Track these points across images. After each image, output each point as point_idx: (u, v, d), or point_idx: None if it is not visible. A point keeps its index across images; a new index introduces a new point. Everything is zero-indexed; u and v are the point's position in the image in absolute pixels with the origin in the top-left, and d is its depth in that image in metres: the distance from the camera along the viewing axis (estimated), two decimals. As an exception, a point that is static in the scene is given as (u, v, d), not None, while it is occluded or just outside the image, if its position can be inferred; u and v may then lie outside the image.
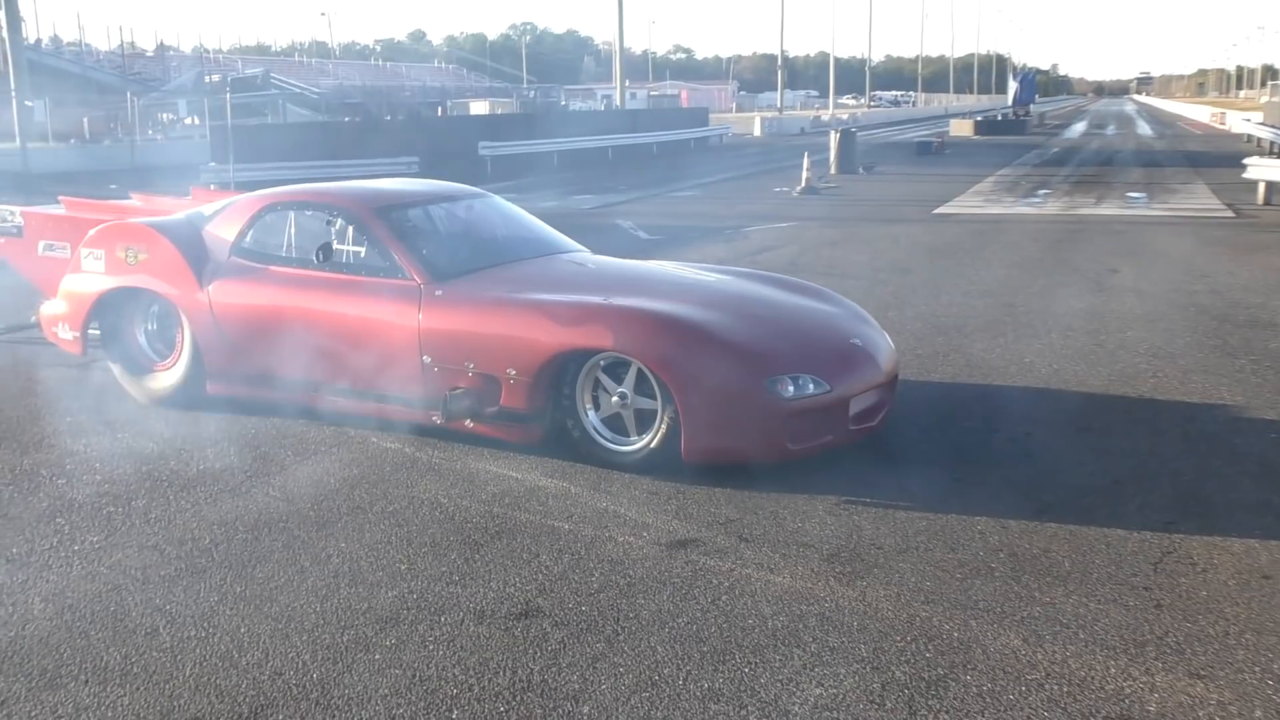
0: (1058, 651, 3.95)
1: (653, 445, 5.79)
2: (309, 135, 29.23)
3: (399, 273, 6.40)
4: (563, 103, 76.38)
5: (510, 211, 7.70)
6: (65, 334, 7.40)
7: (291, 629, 4.18)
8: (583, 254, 7.35)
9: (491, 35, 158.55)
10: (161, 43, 59.40)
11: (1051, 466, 5.94)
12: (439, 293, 6.26)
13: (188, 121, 43.14)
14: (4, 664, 3.93)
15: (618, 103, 53.33)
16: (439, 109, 62.89)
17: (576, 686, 3.77)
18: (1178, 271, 12.38)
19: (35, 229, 7.74)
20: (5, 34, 30.92)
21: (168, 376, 7.16)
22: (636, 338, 5.74)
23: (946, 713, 3.58)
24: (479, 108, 62.02)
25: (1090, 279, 11.96)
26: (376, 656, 3.97)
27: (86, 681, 3.80)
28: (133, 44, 55.34)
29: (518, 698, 3.69)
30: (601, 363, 5.90)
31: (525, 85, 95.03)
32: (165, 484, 5.80)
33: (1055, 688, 3.72)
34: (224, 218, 7.08)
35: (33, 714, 3.61)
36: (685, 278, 6.92)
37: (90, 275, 7.20)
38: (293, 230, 6.89)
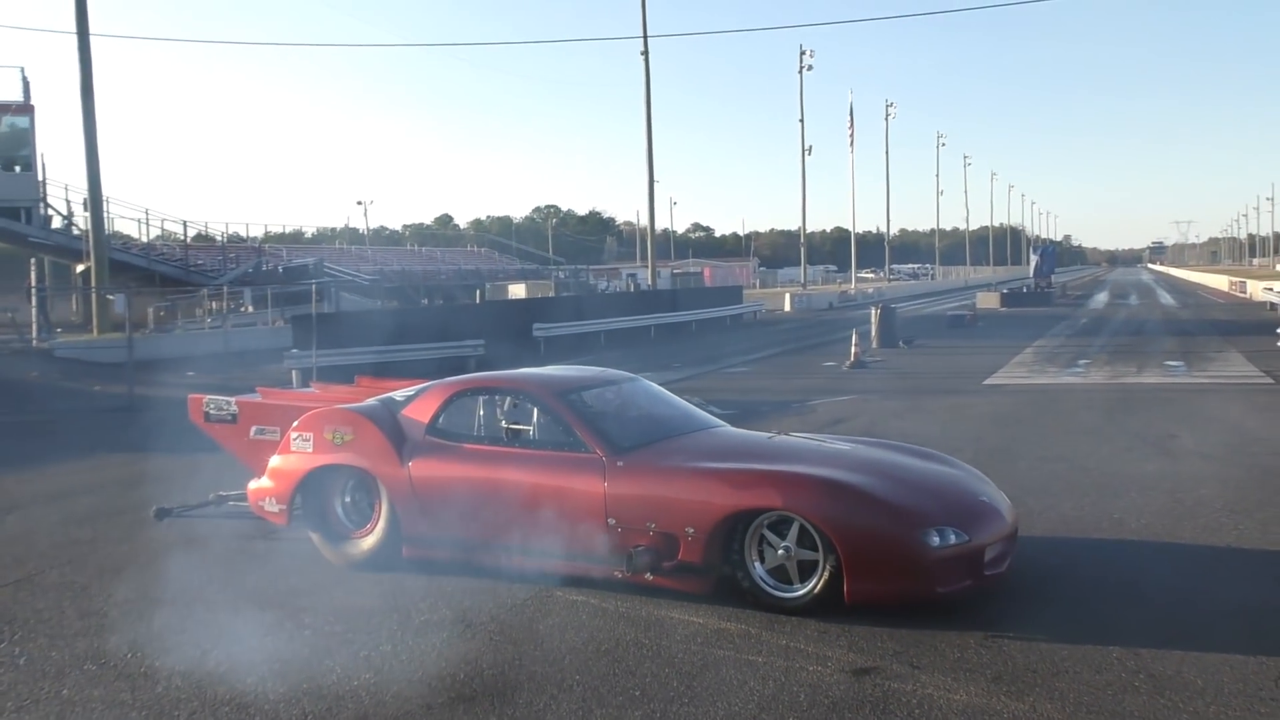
0: (1210, 747, 4.81)
1: (816, 591, 6.72)
2: (377, 321, 30.80)
3: (582, 447, 7.45)
4: (591, 282, 78.75)
5: (657, 391, 8.80)
6: (272, 507, 8.43)
7: (569, 740, 5.07)
8: (726, 427, 8.42)
9: (516, 218, 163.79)
10: (229, 233, 61.93)
11: (1163, 604, 6.83)
12: (620, 464, 7.30)
13: (247, 310, 45.07)
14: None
15: (649, 282, 55.41)
16: (477, 292, 65.25)
17: (823, 778, 4.64)
18: (1233, 435, 13.35)
19: (248, 415, 8.87)
20: (91, 232, 32.98)
21: (366, 542, 8.14)
22: (802, 498, 6.74)
23: (1133, 792, 4.44)
24: (517, 290, 64.18)
25: (1152, 443, 12.92)
26: (649, 759, 4.86)
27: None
28: (167, 233, 57.89)
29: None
30: (766, 521, 6.88)
31: (553, 265, 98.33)
32: (410, 634, 6.73)
33: (1216, 773, 4.57)
34: (418, 403, 8.19)
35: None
36: (825, 446, 7.95)
37: (299, 455, 8.27)
38: (481, 412, 7.99)
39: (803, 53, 73.95)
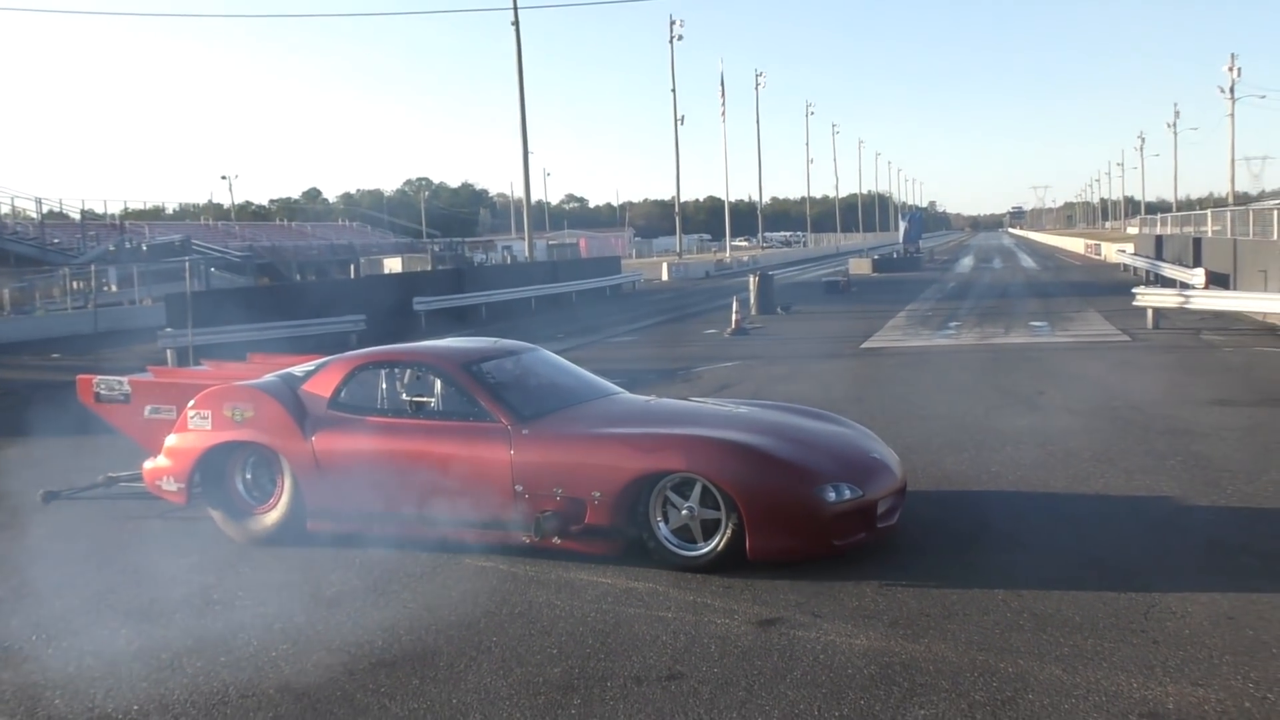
0: (1091, 676, 5.21)
1: (719, 549, 6.98)
2: (255, 298, 30.21)
3: (487, 417, 7.58)
4: (467, 255, 78.07)
5: (557, 360, 8.96)
6: (170, 486, 8.36)
7: (493, 698, 5.24)
8: (626, 394, 8.63)
9: (388, 190, 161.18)
10: (86, 210, 59.64)
11: (1042, 550, 7.28)
12: (525, 432, 7.45)
13: (111, 289, 43.65)
14: None
15: (525, 254, 55.18)
16: (351, 266, 64.20)
17: (738, 718, 4.91)
18: (1096, 390, 14.09)
19: (142, 395, 8.75)
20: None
21: (269, 518, 8.15)
22: (704, 460, 6.99)
23: (1024, 718, 4.80)
24: (393, 264, 63.32)
25: (1023, 400, 13.57)
26: (573, 712, 5.06)
27: None
28: (18, 211, 55.46)
29: (698, 731, 4.82)
30: (670, 484, 7.12)
31: (427, 239, 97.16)
32: (324, 605, 6.79)
33: (1097, 699, 4.97)
34: (319, 377, 8.21)
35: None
36: (723, 410, 8.22)
37: (197, 433, 8.21)
38: (384, 385, 8.04)
39: (673, 22, 74.08)
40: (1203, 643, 5.59)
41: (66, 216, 60.14)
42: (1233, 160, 72.84)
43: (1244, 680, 5.13)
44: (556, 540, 7.27)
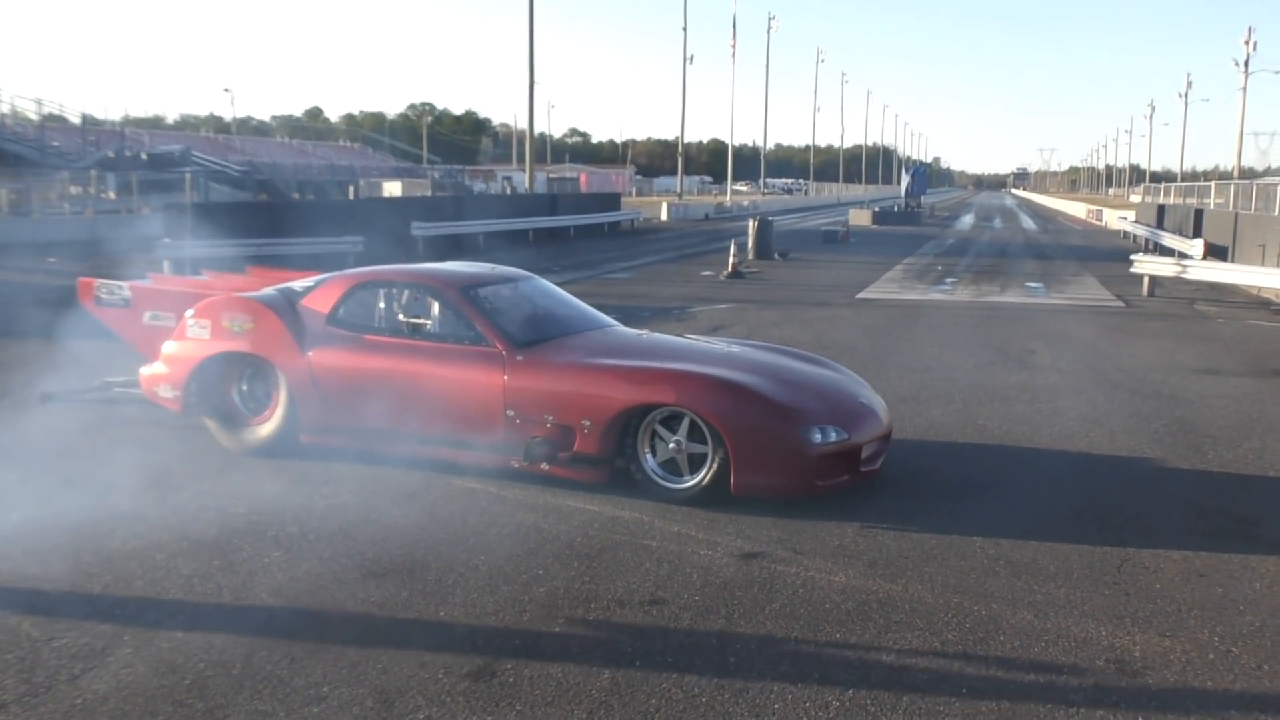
0: (1061, 623, 5.36)
1: (704, 483, 7.11)
2: (253, 214, 30.16)
3: (482, 341, 7.65)
4: (467, 183, 77.64)
5: (554, 290, 9.02)
6: (166, 393, 8.44)
7: (479, 614, 5.38)
8: (620, 327, 8.70)
9: (390, 114, 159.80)
10: (86, 115, 59.10)
11: (1022, 501, 7.41)
12: (519, 358, 7.53)
13: (109, 196, 43.41)
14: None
15: (526, 185, 54.91)
16: (350, 188, 63.84)
17: (716, 644, 5.05)
18: (1086, 352, 14.20)
19: (142, 301, 8.80)
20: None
21: (263, 429, 8.24)
22: (694, 395, 7.09)
23: (993, 659, 4.95)
24: (392, 187, 62.97)
25: (1014, 358, 13.68)
26: (556, 630, 5.20)
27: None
28: (17, 111, 54.80)
29: (675, 654, 4.95)
30: (659, 417, 7.22)
31: (428, 165, 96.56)
32: (315, 516, 6.91)
33: (1066, 644, 5.12)
34: (318, 293, 8.26)
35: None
36: (715, 347, 8.31)
37: (195, 342, 8.28)
38: (382, 305, 8.11)
39: (688, -41, 73.20)
40: (1172, 597, 5.74)
41: (66, 120, 59.56)
42: (1241, 134, 72.53)
43: (1210, 634, 5.28)
44: (545, 466, 7.38)
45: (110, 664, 4.82)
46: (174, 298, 8.75)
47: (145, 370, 8.67)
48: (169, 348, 8.46)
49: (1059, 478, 8.06)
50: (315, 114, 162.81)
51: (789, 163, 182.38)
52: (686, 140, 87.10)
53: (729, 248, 25.84)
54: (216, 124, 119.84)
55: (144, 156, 50.46)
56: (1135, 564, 6.22)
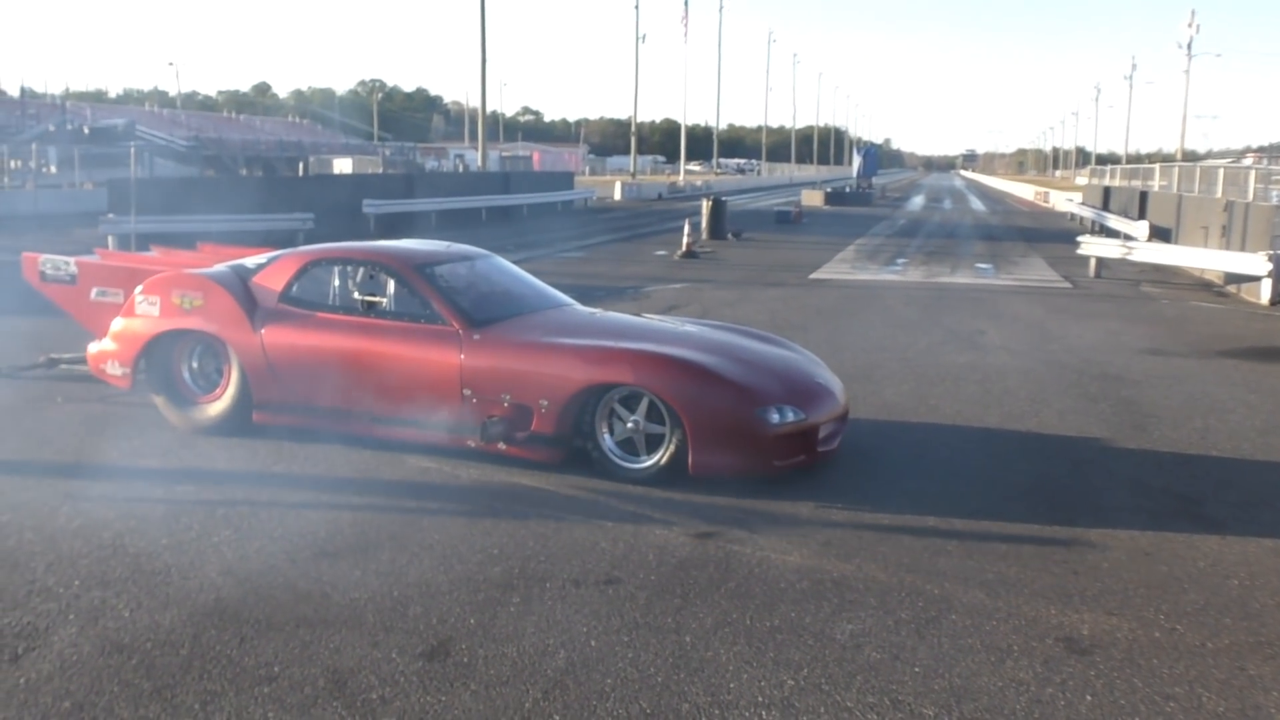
0: (1012, 601, 5.43)
1: (662, 463, 7.11)
2: (200, 189, 29.74)
3: (439, 319, 7.60)
4: (419, 160, 76.96)
5: (510, 268, 8.97)
6: (115, 370, 8.31)
7: (433, 592, 5.35)
8: (577, 306, 8.67)
9: (340, 90, 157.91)
10: (25, 88, 57.87)
11: (974, 480, 7.49)
12: (476, 337, 7.48)
13: (50, 171, 42.62)
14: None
15: (479, 163, 54.56)
16: (300, 164, 63.12)
17: (672, 623, 5.07)
18: (1035, 333, 14.37)
19: (89, 277, 8.64)
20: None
21: (214, 408, 8.14)
22: (653, 375, 7.08)
23: (946, 637, 5.00)
24: (343, 164, 62.41)
25: (964, 339, 13.81)
26: (511, 609, 5.19)
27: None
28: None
29: (631, 633, 4.96)
30: (617, 396, 7.21)
31: (379, 142, 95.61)
32: (266, 495, 6.84)
33: (1016, 622, 5.18)
34: (271, 270, 8.15)
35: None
36: (676, 328, 8.31)
37: (144, 319, 8.15)
38: (336, 282, 8.02)
39: (641, -63, 72.80)
40: (1119, 575, 5.83)
41: (4, 93, 58.43)
42: (1185, 117, 73.65)
43: (1155, 612, 5.37)
44: (502, 446, 7.35)
45: (54, 643, 4.75)
46: (121, 274, 8.60)
47: (93, 347, 8.53)
48: (118, 324, 8.32)
49: (1009, 457, 8.15)
50: (263, 89, 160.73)
51: (741, 143, 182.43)
52: (640, 120, 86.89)
53: (683, 227, 25.84)
54: (161, 99, 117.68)
55: (86, 130, 49.57)
56: (1083, 543, 6.31)
